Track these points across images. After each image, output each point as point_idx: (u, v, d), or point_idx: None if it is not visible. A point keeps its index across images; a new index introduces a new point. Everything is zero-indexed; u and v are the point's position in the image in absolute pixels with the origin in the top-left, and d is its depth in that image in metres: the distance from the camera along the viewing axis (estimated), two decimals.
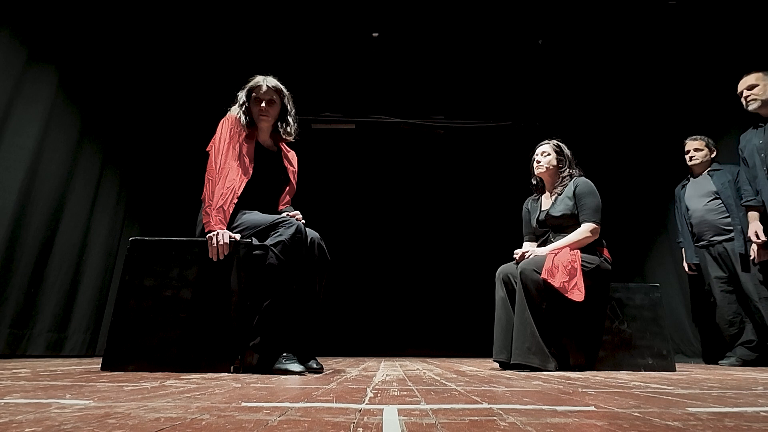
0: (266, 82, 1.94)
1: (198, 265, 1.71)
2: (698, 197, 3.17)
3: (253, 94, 1.93)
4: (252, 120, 1.92)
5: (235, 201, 1.77)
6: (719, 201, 3.05)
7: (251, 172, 1.85)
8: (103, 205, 3.35)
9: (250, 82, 1.96)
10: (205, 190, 1.78)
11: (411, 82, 4.87)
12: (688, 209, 3.23)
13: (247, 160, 1.85)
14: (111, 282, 3.38)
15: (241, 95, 1.94)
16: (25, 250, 2.58)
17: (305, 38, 4.26)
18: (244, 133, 1.88)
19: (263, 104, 1.91)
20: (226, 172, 1.78)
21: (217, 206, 1.72)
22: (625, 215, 4.40)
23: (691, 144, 3.24)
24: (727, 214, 2.99)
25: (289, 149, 2.11)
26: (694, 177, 3.26)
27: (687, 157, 3.24)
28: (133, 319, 1.64)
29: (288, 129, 2.00)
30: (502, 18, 4.04)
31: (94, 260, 3.22)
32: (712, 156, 3.19)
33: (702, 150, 3.19)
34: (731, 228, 2.96)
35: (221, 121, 1.90)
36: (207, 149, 1.87)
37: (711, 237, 3.07)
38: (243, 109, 1.91)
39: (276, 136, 2.03)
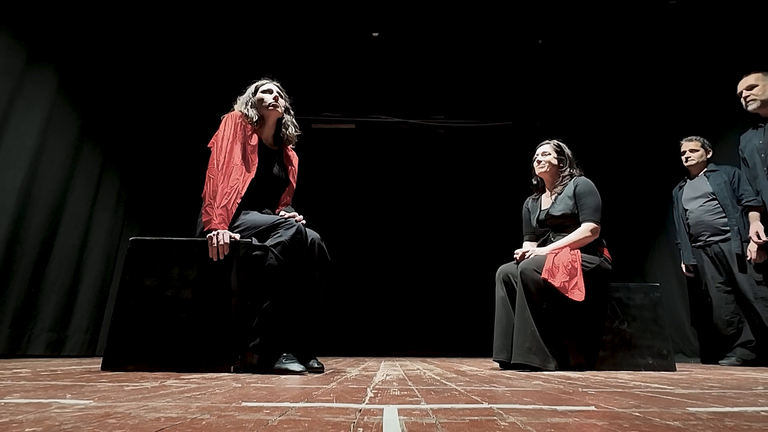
0: (271, 81, 2.02)
1: (198, 265, 1.71)
2: (695, 198, 3.17)
3: (260, 89, 1.98)
4: (260, 116, 1.93)
5: (239, 201, 1.77)
6: (716, 201, 3.05)
7: (255, 170, 1.85)
8: (103, 205, 3.35)
9: (251, 85, 2.01)
10: (205, 188, 1.77)
11: (411, 82, 4.87)
12: (685, 210, 3.23)
13: (251, 159, 1.85)
14: (111, 282, 3.38)
15: (247, 93, 1.99)
16: (25, 250, 2.58)
17: (305, 38, 4.26)
18: (248, 131, 1.89)
19: (273, 94, 1.95)
20: (230, 171, 1.78)
21: (221, 205, 1.71)
22: (625, 215, 4.40)
23: (686, 145, 3.24)
24: (724, 215, 2.99)
25: (289, 149, 2.12)
26: (691, 178, 3.26)
27: (683, 158, 3.24)
28: (133, 319, 1.64)
29: (292, 131, 2.04)
30: (502, 18, 4.04)
31: (94, 260, 3.22)
32: (708, 156, 3.19)
33: (698, 151, 3.19)
34: (728, 228, 2.96)
35: (224, 119, 1.89)
36: (209, 145, 1.87)
37: (708, 237, 3.07)
38: (250, 105, 1.94)
39: (278, 137, 2.04)
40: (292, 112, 2.07)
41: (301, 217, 1.85)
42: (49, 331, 2.79)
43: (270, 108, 1.94)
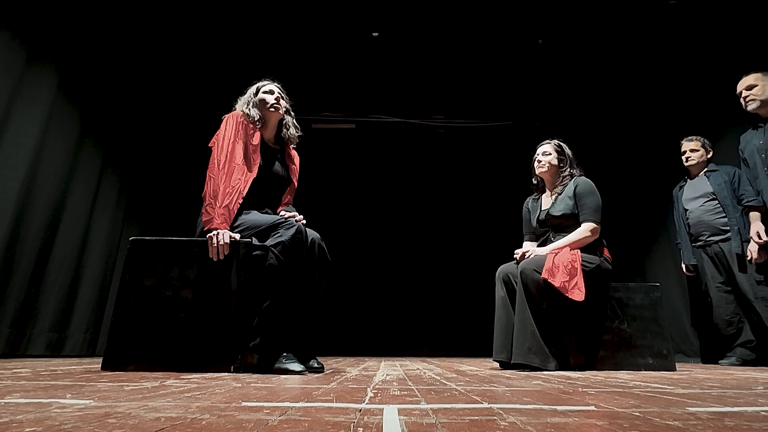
0: (272, 82, 2.02)
1: (198, 265, 1.71)
2: (695, 198, 3.17)
3: (262, 89, 1.98)
4: (262, 116, 1.93)
5: (240, 201, 1.77)
6: (716, 201, 3.05)
7: (256, 170, 1.85)
8: (103, 205, 3.35)
9: (252, 86, 2.01)
10: (205, 188, 1.77)
11: (411, 82, 4.87)
12: (685, 210, 3.23)
13: (252, 158, 1.86)
14: (111, 282, 3.38)
15: (248, 93, 1.99)
16: (25, 250, 2.58)
17: (305, 38, 4.26)
18: (250, 131, 1.89)
19: (275, 95, 1.96)
20: (232, 170, 1.78)
21: (223, 205, 1.71)
22: (625, 215, 4.40)
23: (687, 145, 3.24)
24: (724, 215, 2.99)
25: (291, 148, 2.12)
26: (691, 178, 3.26)
27: (683, 158, 3.24)
28: (133, 319, 1.64)
29: (293, 131, 2.05)
30: (502, 18, 4.04)
31: (94, 260, 3.22)
32: (709, 156, 3.19)
33: (698, 150, 3.19)
34: (728, 228, 2.96)
35: (225, 118, 1.89)
36: (209, 145, 1.87)
37: (708, 237, 3.07)
38: (251, 105, 1.94)
39: (279, 137, 2.05)
40: (292, 114, 2.08)
41: (301, 216, 1.85)
42: (49, 331, 2.79)
43: (272, 110, 1.94)
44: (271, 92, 1.97)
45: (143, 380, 1.20)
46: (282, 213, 1.90)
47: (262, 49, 4.32)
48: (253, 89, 1.99)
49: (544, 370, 1.90)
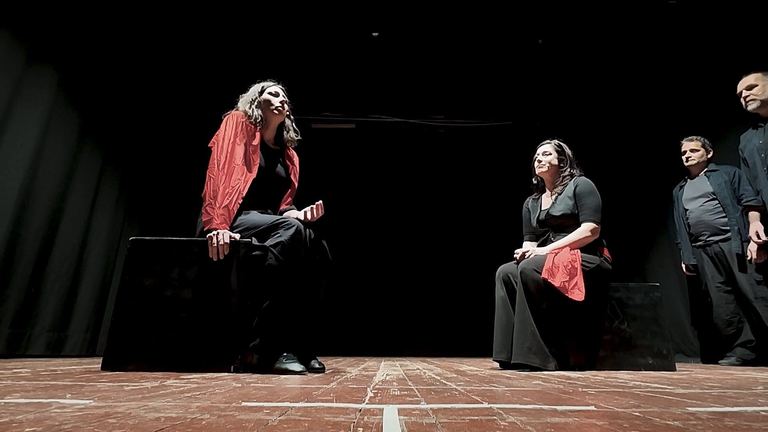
0: (277, 84, 2.03)
1: (198, 265, 1.71)
2: (695, 198, 3.17)
3: (267, 90, 1.98)
4: (264, 117, 1.93)
5: (240, 201, 1.77)
6: (716, 201, 3.05)
7: (256, 170, 1.85)
8: (103, 205, 3.35)
9: (255, 84, 2.01)
10: (205, 188, 1.77)
11: (411, 82, 4.87)
12: (685, 210, 3.23)
13: (252, 159, 1.86)
14: (111, 282, 3.38)
15: (252, 92, 1.98)
16: (25, 249, 2.58)
17: (305, 38, 4.26)
18: (250, 131, 1.89)
19: (280, 97, 1.96)
20: (232, 171, 1.78)
21: (222, 205, 1.72)
22: (625, 215, 4.40)
23: (687, 145, 3.24)
24: (724, 215, 2.99)
25: (290, 148, 2.13)
26: (691, 178, 3.26)
27: (684, 158, 3.24)
28: (133, 319, 1.64)
29: (293, 134, 2.06)
30: (502, 18, 4.04)
31: (94, 260, 3.22)
32: (709, 156, 3.19)
33: (698, 150, 3.19)
34: (728, 228, 2.96)
35: (225, 118, 1.89)
36: (209, 145, 1.87)
37: (708, 237, 3.07)
38: (254, 104, 1.94)
39: (279, 138, 2.05)
40: (292, 117, 2.09)
41: (321, 204, 1.83)
42: (49, 331, 2.79)
43: (276, 112, 1.95)
44: (276, 94, 1.97)
45: (143, 380, 1.20)
46: (287, 213, 1.91)
47: (263, 48, 4.32)
48: (257, 88, 1.99)
49: (544, 370, 1.90)
